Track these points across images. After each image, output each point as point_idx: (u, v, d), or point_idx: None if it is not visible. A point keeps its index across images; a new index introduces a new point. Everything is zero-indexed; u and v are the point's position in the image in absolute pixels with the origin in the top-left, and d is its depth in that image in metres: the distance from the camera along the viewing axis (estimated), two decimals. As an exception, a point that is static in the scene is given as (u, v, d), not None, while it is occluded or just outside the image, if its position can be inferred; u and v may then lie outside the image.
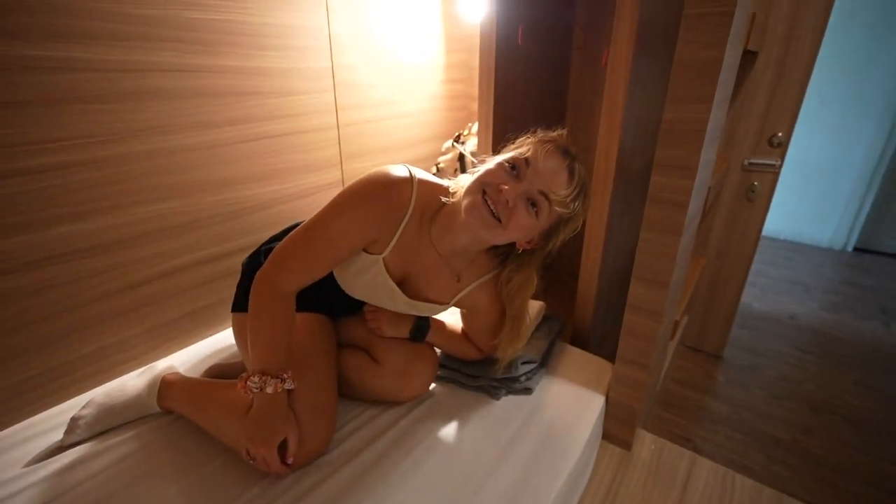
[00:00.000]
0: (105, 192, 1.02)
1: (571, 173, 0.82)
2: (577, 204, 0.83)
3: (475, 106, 1.96)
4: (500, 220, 0.80)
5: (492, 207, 0.79)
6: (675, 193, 0.83)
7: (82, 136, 0.96)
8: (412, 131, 1.78)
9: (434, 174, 1.78)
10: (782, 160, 1.46)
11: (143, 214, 1.09)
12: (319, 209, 0.87)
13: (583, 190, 0.83)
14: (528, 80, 1.47)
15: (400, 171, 0.88)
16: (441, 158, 1.77)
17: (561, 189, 0.80)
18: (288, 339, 0.87)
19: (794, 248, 3.04)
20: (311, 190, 1.47)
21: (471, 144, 1.68)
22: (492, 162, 0.84)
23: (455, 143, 1.72)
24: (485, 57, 1.33)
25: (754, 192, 1.52)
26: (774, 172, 1.48)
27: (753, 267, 2.63)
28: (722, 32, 0.71)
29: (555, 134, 0.88)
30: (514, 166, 0.81)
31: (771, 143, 1.46)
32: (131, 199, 1.06)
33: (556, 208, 0.82)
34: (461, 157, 1.69)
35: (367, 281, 0.94)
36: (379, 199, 0.85)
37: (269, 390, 0.81)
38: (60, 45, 0.90)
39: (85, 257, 1.02)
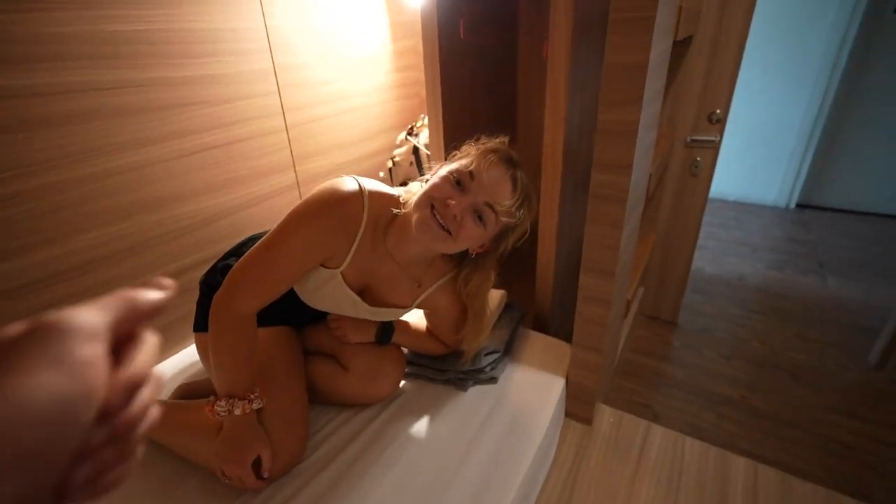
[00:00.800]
0: (46, 222, 0.98)
1: (514, 183, 0.85)
2: (521, 212, 0.87)
3: (427, 93, 1.94)
4: (449, 233, 0.83)
5: (440, 221, 0.82)
6: (614, 190, 0.87)
7: (14, 167, 0.92)
8: (365, 125, 1.76)
9: (390, 168, 1.78)
10: (721, 135, 1.53)
11: (89, 241, 1.06)
12: (275, 222, 0.87)
13: (526, 198, 0.87)
14: (475, 70, 1.47)
15: (350, 184, 0.88)
16: (396, 152, 1.76)
17: (505, 199, 0.84)
18: (251, 359, 0.87)
19: (742, 209, 3.20)
20: (265, 196, 1.44)
21: (424, 136, 1.68)
22: (437, 175, 0.86)
23: (409, 136, 1.72)
24: (428, 51, 1.32)
25: (697, 167, 1.59)
26: (714, 147, 1.55)
27: (705, 230, 2.77)
28: (645, 36, 0.73)
29: (497, 142, 0.91)
30: (458, 180, 0.83)
31: (710, 120, 1.52)
32: (74, 227, 1.03)
33: (502, 218, 0.85)
34: (415, 149, 1.68)
35: (328, 294, 0.95)
36: (331, 216, 0.86)
37: (237, 412, 0.82)
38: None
39: (31, 291, 0.99)
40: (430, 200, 0.83)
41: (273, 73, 1.38)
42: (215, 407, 0.83)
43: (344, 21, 1.57)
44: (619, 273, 1.00)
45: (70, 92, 0.97)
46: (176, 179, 1.20)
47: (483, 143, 0.91)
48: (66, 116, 0.98)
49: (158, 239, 1.19)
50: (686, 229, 1.73)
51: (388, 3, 1.73)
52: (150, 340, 0.25)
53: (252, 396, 0.84)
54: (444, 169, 0.87)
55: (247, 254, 0.86)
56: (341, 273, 0.91)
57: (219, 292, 0.85)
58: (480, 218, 0.84)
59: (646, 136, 0.92)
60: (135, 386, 0.23)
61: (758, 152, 3.19)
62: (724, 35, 1.39)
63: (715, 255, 2.56)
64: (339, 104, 1.63)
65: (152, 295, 0.24)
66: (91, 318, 0.21)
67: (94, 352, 0.20)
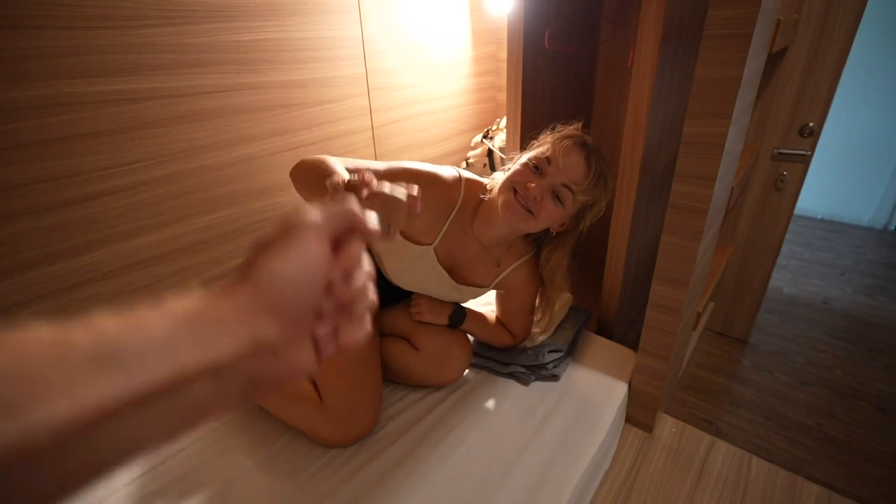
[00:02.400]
0: (169, 205, 1.14)
1: (588, 164, 0.91)
2: (597, 190, 0.93)
3: (503, 97, 1.99)
4: (532, 213, 0.91)
5: (523, 203, 0.90)
6: (695, 201, 0.88)
7: (147, 158, 1.08)
8: (443, 127, 1.85)
9: (463, 169, 1.85)
10: (813, 150, 1.46)
11: (203, 223, 1.22)
12: None
13: (601, 177, 0.93)
14: (556, 77, 1.50)
15: (451, 171, 1.00)
16: (470, 153, 1.83)
17: (581, 180, 0.91)
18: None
19: (831, 228, 2.97)
20: (350, 190, 1.57)
21: (499, 140, 1.74)
22: (518, 162, 0.95)
23: (484, 139, 1.78)
24: (512, 58, 1.37)
25: (783, 181, 1.52)
26: (804, 162, 1.48)
27: (787, 249, 2.61)
28: (740, 53, 0.74)
29: (571, 128, 0.98)
30: (537, 166, 0.91)
31: (802, 133, 1.45)
32: (192, 211, 1.19)
33: (579, 197, 0.92)
34: (489, 152, 1.74)
35: (418, 271, 1.06)
36: (434, 190, 0.97)
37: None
38: (125, 79, 1.00)
39: (157, 264, 1.16)
40: (512, 184, 0.92)
41: (365, 77, 1.50)
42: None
43: (430, 28, 1.66)
44: (693, 284, 1.00)
45: (204, 93, 1.13)
46: (276, 172, 1.34)
47: (559, 130, 0.99)
48: (198, 114, 1.13)
49: (256, 224, 1.34)
50: (766, 246, 1.66)
51: (471, 11, 1.80)
52: (358, 244, 0.32)
53: None
54: (524, 156, 0.95)
55: None
56: (434, 249, 1.01)
57: None
58: (559, 198, 0.91)
59: (732, 150, 0.92)
60: (348, 269, 0.31)
61: (854, 167, 2.93)
62: (823, 46, 1.32)
63: (796, 275, 2.40)
64: (420, 106, 1.73)
65: (366, 218, 0.32)
66: (318, 219, 0.29)
67: (318, 242, 0.29)
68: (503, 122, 1.74)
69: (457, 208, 0.99)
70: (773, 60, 1.42)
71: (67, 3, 0.89)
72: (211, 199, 1.22)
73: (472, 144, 1.85)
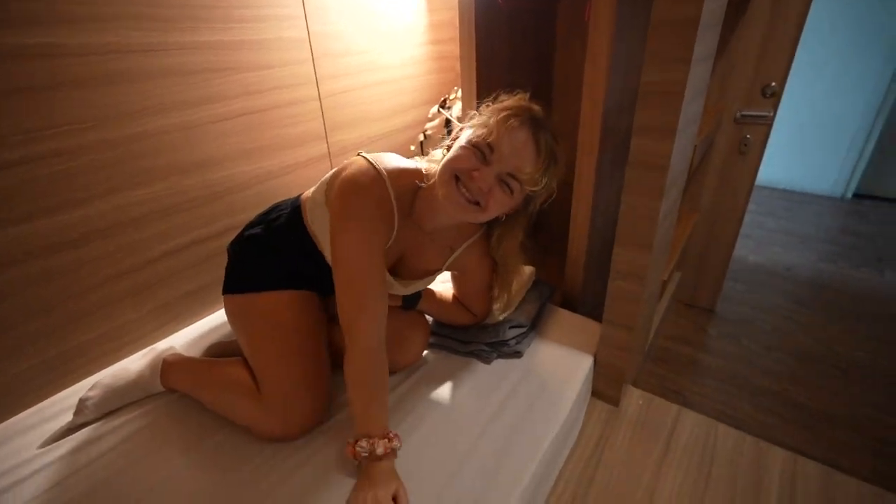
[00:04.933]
0: (91, 179, 1.02)
1: (538, 147, 0.81)
2: (547, 178, 0.83)
3: (462, 67, 1.90)
4: (478, 205, 0.81)
5: (467, 195, 0.80)
6: (655, 157, 0.82)
7: (65, 123, 0.95)
8: (398, 98, 1.74)
9: (421, 142, 1.76)
10: (775, 111, 1.43)
11: (131, 199, 1.10)
12: (304, 190, 0.86)
13: (552, 159, 0.83)
14: (512, 39, 1.42)
15: (367, 172, 0.85)
16: (428, 125, 1.74)
17: (528, 166, 0.80)
18: (386, 397, 0.86)
19: (793, 198, 3.01)
20: (296, 165, 1.45)
21: (457, 109, 1.65)
22: (457, 145, 0.84)
23: (441, 109, 1.69)
24: (465, 18, 1.28)
25: (747, 145, 1.49)
26: (767, 124, 1.44)
27: (750, 219, 2.63)
28: (698, -14, 0.68)
29: (515, 100, 0.86)
30: (481, 151, 0.80)
31: (764, 94, 1.42)
32: (116, 185, 1.06)
33: (527, 187, 0.82)
34: (447, 122, 1.66)
35: None
36: (372, 213, 0.84)
37: (379, 451, 0.78)
38: (32, 31, 0.87)
39: (83, 245, 1.03)
40: (453, 172, 0.81)
41: (308, 41, 1.38)
42: (356, 448, 0.79)
43: (380, -10, 1.55)
44: (656, 248, 0.95)
45: (119, 52, 1.00)
46: (211, 144, 1.22)
47: (501, 101, 0.87)
48: (119, 74, 1.00)
49: (190, 202, 1.21)
50: (730, 212, 1.63)
51: (425, -28, 1.69)
52: None
53: (391, 435, 0.82)
54: (463, 136, 0.84)
55: (341, 299, 0.84)
56: None
57: (346, 352, 0.84)
58: (507, 185, 0.81)
59: (692, 102, 0.86)
60: None
61: (814, 137, 2.97)
62: (783, 2, 1.28)
63: (760, 244, 2.42)
64: (372, 75, 1.62)
65: None
66: None
67: None
68: (461, 92, 1.65)
69: (395, 207, 0.86)
70: (734, 18, 1.37)
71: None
72: (138, 171, 1.09)
73: (430, 116, 1.76)
